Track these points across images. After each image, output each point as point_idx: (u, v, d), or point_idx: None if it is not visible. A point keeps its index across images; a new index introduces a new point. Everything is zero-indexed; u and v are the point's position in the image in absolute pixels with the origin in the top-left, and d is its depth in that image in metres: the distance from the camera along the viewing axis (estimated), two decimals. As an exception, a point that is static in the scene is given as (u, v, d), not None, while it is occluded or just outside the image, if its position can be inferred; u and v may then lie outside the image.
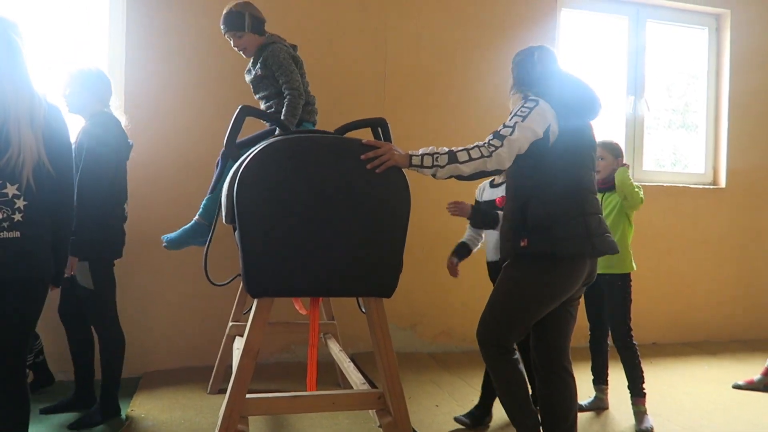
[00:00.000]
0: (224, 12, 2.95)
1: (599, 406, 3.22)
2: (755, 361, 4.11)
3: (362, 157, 2.07)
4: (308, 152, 2.05)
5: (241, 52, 2.99)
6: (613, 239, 2.27)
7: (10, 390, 1.97)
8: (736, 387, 3.67)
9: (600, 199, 3.16)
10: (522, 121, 2.08)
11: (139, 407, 3.07)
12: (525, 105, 2.14)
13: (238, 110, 2.43)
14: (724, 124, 4.98)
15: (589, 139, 2.31)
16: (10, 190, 1.88)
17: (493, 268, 2.89)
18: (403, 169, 2.14)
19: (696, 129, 5.20)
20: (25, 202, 1.91)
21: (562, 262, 2.15)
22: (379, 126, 2.50)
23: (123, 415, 2.96)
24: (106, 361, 2.88)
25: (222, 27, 2.95)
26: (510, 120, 2.12)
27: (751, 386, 3.64)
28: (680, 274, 4.84)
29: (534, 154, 2.13)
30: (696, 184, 4.95)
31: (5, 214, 1.87)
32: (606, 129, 4.97)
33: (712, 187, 4.99)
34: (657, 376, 3.84)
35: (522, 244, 2.16)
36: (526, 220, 2.15)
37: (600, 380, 3.24)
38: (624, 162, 3.13)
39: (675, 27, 5.09)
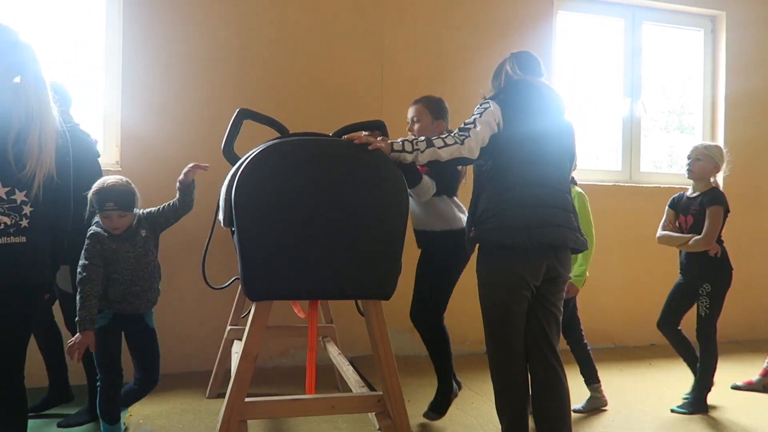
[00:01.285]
0: (112, 187, 2.53)
1: (596, 405, 3.21)
2: (753, 362, 4.11)
3: (353, 140, 2.13)
4: (307, 155, 2.05)
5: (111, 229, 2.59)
6: (575, 235, 2.32)
7: (7, 395, 1.97)
8: (735, 388, 3.67)
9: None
10: (480, 117, 2.27)
11: (137, 412, 3.06)
12: (480, 106, 2.33)
13: (236, 113, 2.43)
14: (721, 126, 5.00)
15: (558, 139, 2.39)
16: (19, 196, 1.90)
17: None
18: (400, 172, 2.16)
19: (692, 131, 5.21)
20: (31, 209, 1.93)
21: (505, 252, 2.25)
22: (377, 129, 2.51)
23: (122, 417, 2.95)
24: (89, 364, 2.88)
25: (111, 204, 2.51)
26: (470, 118, 2.30)
27: (750, 387, 3.64)
28: (678, 276, 4.83)
29: (490, 151, 2.28)
30: (693, 186, 4.95)
31: (13, 220, 1.89)
32: (603, 131, 4.99)
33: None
34: (655, 378, 3.84)
35: (470, 234, 2.35)
36: (476, 212, 2.33)
37: (591, 380, 3.23)
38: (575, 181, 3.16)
39: (671, 29, 5.10)
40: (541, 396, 2.32)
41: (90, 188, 2.74)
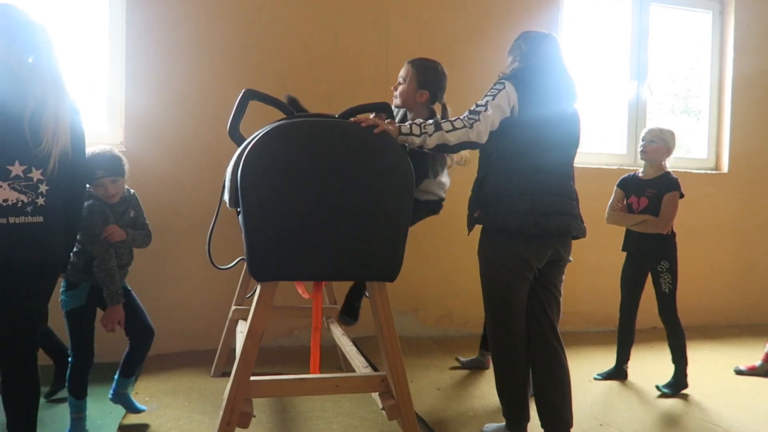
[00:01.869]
0: (99, 155, 2.50)
1: (477, 365, 3.56)
2: (756, 347, 4.12)
3: (360, 122, 2.11)
4: (313, 136, 2.04)
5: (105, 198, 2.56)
6: (577, 223, 2.36)
7: (21, 374, 1.98)
8: (738, 372, 3.68)
9: None
10: (492, 100, 2.24)
11: (143, 391, 3.09)
12: (495, 86, 2.30)
13: (241, 94, 2.42)
14: (727, 109, 4.96)
15: (566, 125, 2.40)
16: (35, 174, 1.91)
17: None
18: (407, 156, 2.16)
19: (699, 114, 5.18)
20: (47, 187, 1.94)
21: (511, 236, 2.28)
22: (383, 111, 2.50)
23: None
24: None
25: (101, 171, 2.48)
26: (482, 99, 2.26)
27: (753, 372, 3.64)
28: (681, 258, 4.83)
29: (500, 133, 2.27)
30: (698, 170, 4.94)
31: (30, 198, 1.90)
32: (609, 114, 4.96)
33: (714, 172, 4.98)
34: (658, 360, 3.85)
35: (475, 215, 2.36)
36: (481, 193, 2.34)
37: (485, 348, 3.55)
38: None
39: (678, 10, 5.05)
40: (541, 377, 2.35)
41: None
